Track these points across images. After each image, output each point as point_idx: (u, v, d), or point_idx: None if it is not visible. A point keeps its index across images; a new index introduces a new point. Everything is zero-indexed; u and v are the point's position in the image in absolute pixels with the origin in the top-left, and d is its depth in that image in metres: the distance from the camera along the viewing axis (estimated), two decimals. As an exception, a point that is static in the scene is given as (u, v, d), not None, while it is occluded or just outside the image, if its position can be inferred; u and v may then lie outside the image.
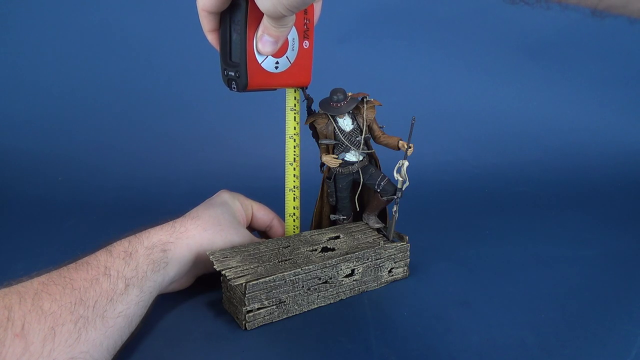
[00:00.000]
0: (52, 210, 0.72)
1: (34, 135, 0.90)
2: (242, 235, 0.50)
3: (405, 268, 0.53)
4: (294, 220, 0.55)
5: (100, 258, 0.40)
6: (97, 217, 0.70)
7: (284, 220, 0.56)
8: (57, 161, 0.87)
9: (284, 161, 0.53)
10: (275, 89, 0.48)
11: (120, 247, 0.42)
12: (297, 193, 0.54)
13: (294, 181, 0.54)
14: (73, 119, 0.92)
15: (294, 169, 0.53)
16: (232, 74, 0.43)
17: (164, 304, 0.47)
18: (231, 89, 0.45)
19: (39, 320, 0.33)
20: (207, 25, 0.42)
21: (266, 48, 0.40)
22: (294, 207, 0.55)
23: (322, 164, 0.54)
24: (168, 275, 0.44)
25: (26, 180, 0.82)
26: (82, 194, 0.79)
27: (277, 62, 0.45)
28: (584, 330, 0.45)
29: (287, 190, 0.54)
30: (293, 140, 0.52)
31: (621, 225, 0.71)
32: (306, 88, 0.50)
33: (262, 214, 0.56)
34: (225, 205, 0.52)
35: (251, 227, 0.56)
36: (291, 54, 0.45)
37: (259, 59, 0.43)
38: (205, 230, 0.47)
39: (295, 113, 0.51)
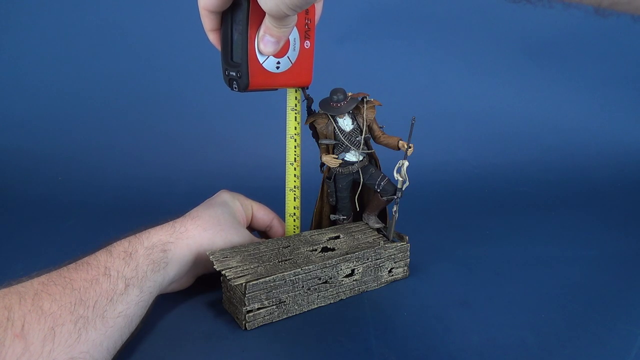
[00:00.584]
0: (52, 210, 0.72)
1: (34, 135, 0.90)
2: (242, 235, 0.50)
3: (405, 268, 0.53)
4: (294, 220, 0.55)
5: (100, 258, 0.40)
6: (97, 217, 0.70)
7: (284, 220, 0.56)
8: (57, 161, 0.86)
9: (285, 161, 0.53)
10: (276, 89, 0.48)
11: (120, 247, 0.42)
12: (298, 193, 0.54)
13: (295, 181, 0.54)
14: (73, 119, 0.92)
15: (295, 168, 0.53)
16: (234, 74, 0.43)
17: (164, 304, 0.47)
18: (232, 89, 0.45)
19: (39, 320, 0.33)
20: (208, 24, 0.42)
21: (268, 48, 0.40)
22: (295, 207, 0.55)
23: (322, 164, 0.54)
24: (168, 275, 0.44)
25: (26, 180, 0.82)
26: (82, 194, 0.79)
27: (278, 62, 0.45)
28: (584, 330, 0.45)
29: (287, 190, 0.54)
30: (294, 140, 0.52)
31: (621, 225, 0.71)
32: (307, 88, 0.50)
33: (262, 214, 0.56)
34: (225, 205, 0.52)
35: (251, 227, 0.56)
36: (292, 54, 0.45)
37: (260, 59, 0.43)
38: (205, 230, 0.47)
39: (296, 113, 0.51)
